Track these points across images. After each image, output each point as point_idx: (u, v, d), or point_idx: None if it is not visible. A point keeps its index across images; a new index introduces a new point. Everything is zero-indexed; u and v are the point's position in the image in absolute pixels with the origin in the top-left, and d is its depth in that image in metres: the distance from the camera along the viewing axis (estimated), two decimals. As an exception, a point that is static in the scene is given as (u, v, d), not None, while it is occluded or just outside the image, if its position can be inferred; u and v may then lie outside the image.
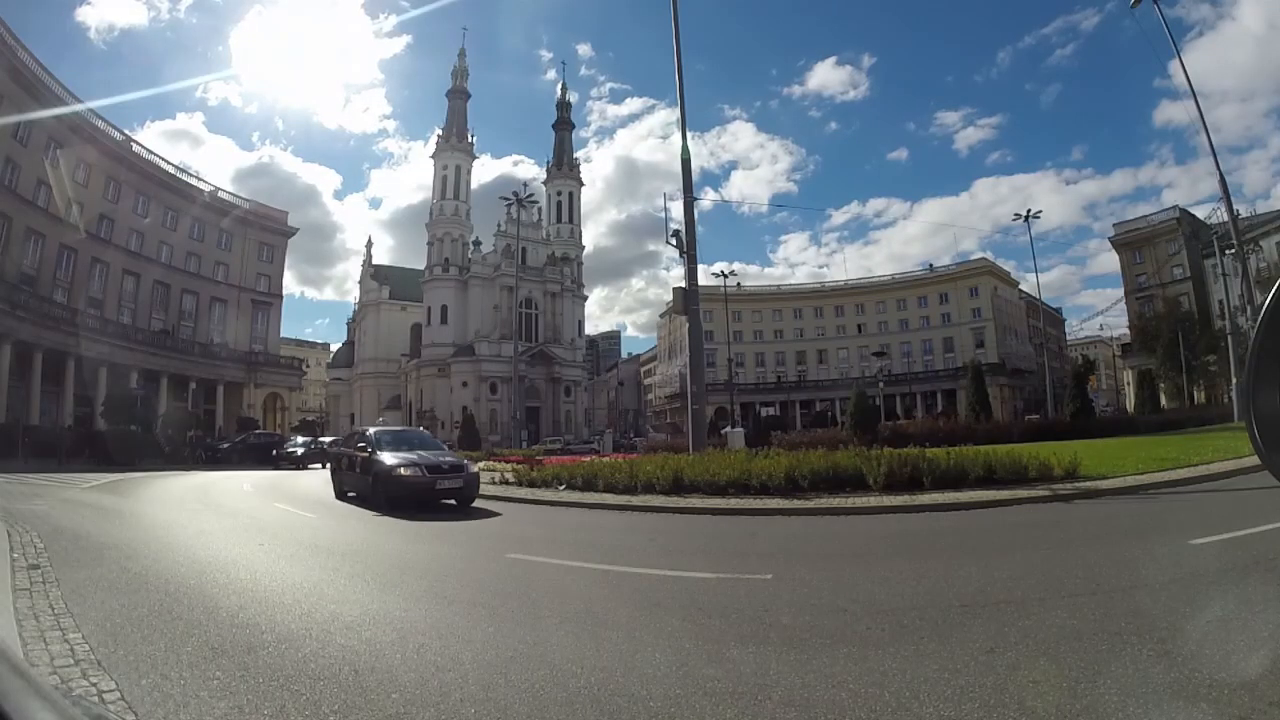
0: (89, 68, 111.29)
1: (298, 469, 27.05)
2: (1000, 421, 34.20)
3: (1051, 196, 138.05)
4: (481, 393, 65.58)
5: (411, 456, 11.00)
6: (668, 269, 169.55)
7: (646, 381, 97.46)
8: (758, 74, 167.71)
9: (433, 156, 73.54)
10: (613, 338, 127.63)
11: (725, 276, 55.11)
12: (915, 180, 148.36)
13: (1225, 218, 27.60)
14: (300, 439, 34.41)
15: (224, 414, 45.86)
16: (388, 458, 10.88)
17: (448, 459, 11.49)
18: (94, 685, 2.96)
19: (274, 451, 30.92)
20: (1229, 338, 33.59)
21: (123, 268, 42.31)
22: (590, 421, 74.36)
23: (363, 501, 11.42)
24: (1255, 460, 1.09)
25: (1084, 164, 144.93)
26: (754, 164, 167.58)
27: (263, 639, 3.72)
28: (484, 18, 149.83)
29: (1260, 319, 0.88)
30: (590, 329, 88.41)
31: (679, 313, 16.82)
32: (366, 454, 11.42)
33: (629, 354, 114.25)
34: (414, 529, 8.74)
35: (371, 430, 12.99)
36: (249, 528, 8.95)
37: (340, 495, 12.63)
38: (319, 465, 27.95)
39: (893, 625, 3.85)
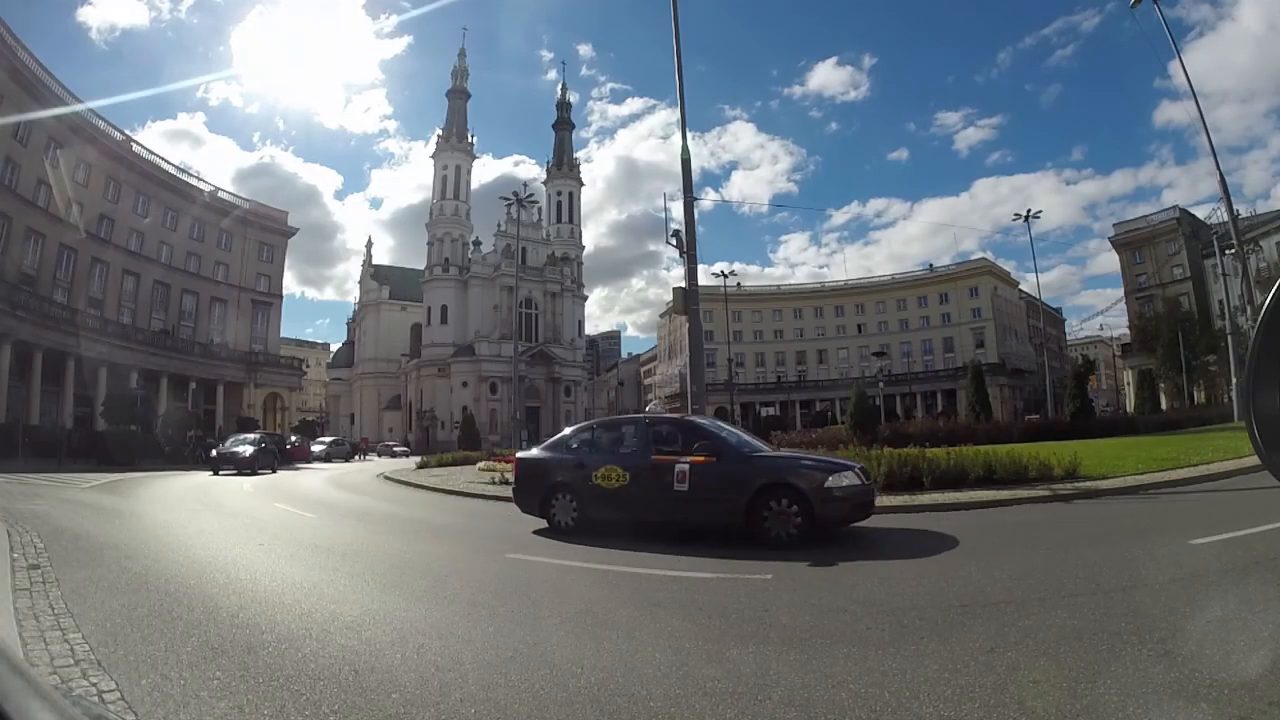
0: (90, 68, 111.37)
1: (243, 474, 20.87)
2: (1000, 421, 34.12)
3: (1051, 196, 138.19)
4: (481, 393, 65.61)
5: (812, 460, 7.76)
6: (668, 269, 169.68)
7: (646, 381, 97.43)
8: (758, 74, 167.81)
9: (433, 157, 73.61)
10: (613, 338, 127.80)
11: (725, 276, 55.10)
12: (915, 180, 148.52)
13: (1225, 218, 27.56)
14: (250, 436, 26.05)
15: (224, 414, 45.85)
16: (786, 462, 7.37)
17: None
18: (94, 685, 2.96)
19: (213, 452, 23.59)
20: (1229, 338, 33.55)
21: (123, 268, 42.30)
22: (590, 421, 74.23)
23: (678, 538, 6.97)
24: (1255, 460, 1.09)
25: (1084, 164, 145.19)
26: (754, 164, 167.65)
27: (263, 639, 3.72)
28: (485, 18, 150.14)
29: (1260, 319, 0.88)
30: (590, 329, 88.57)
31: (679, 313, 16.77)
32: (710, 458, 7.07)
33: (629, 354, 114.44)
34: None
35: (705, 421, 8.43)
36: (249, 528, 8.95)
37: (573, 527, 7.64)
38: (268, 470, 22.81)
39: (893, 625, 3.85)
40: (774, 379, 77.60)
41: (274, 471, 23.06)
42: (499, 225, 66.62)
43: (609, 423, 9.44)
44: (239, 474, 20.81)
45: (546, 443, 9.38)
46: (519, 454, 9.14)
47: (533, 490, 8.26)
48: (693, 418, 8.85)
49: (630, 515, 7.45)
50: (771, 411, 69.63)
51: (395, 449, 51.90)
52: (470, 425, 54.09)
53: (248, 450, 22.70)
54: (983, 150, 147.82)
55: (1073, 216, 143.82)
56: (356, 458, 42.29)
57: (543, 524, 8.03)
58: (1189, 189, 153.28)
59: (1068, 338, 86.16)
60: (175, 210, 46.62)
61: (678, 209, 15.47)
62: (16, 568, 5.32)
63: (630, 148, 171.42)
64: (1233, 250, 29.52)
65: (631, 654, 3.48)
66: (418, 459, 29.15)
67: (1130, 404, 49.74)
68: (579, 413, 73.44)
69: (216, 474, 20.87)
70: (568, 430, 9.33)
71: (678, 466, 7.14)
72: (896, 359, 70.90)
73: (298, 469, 27.00)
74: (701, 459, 7.12)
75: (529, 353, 64.94)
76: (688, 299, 14.50)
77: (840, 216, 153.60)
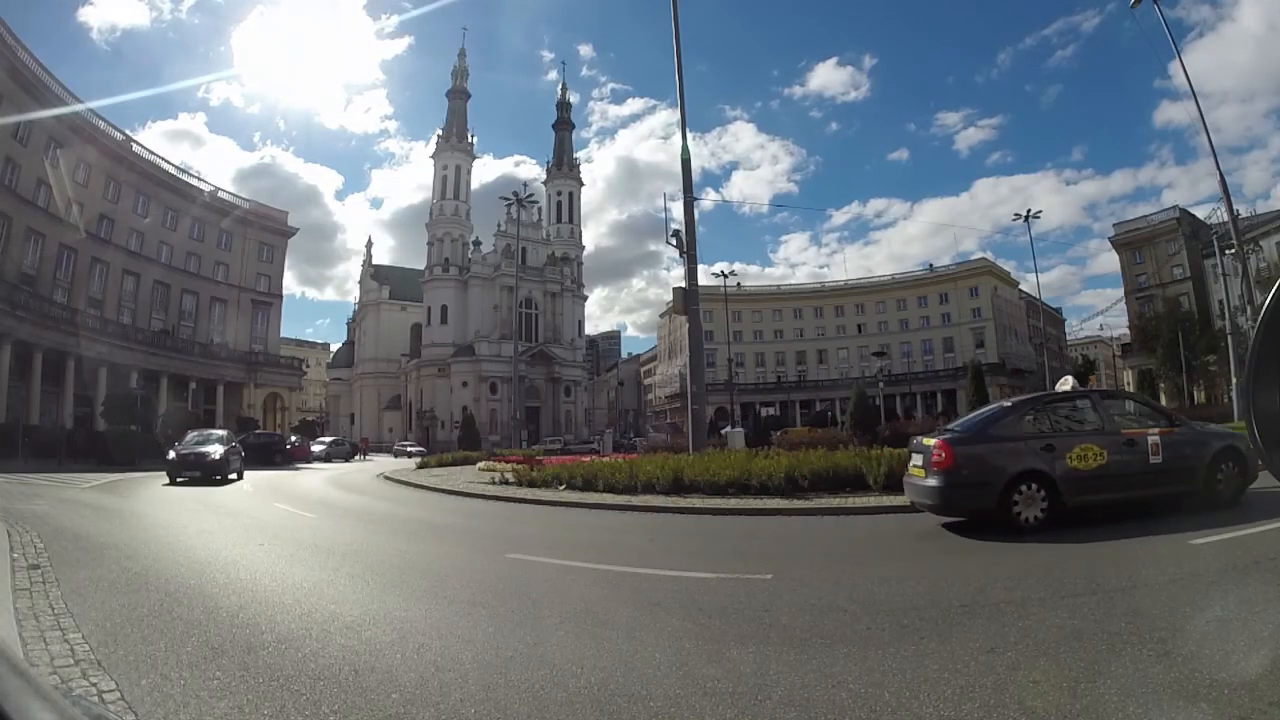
0: (92, 68, 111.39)
1: (208, 481, 16.37)
2: (1000, 421, 34.09)
3: (1051, 197, 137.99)
4: (481, 393, 65.58)
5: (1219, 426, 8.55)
6: (668, 269, 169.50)
7: (646, 381, 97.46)
8: (759, 75, 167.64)
9: (433, 157, 73.60)
10: (613, 338, 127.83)
11: (725, 276, 55.19)
12: (916, 181, 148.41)
13: (1225, 218, 27.53)
14: (217, 432, 20.67)
15: (224, 414, 45.79)
16: None
17: None
18: (94, 685, 2.96)
19: (170, 454, 17.65)
20: (1229, 338, 33.52)
21: (123, 268, 42.28)
22: (590, 421, 74.36)
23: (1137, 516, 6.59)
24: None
25: (1084, 164, 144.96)
26: (755, 164, 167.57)
27: (263, 639, 3.72)
28: (486, 19, 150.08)
29: (1260, 319, 0.88)
30: (590, 329, 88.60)
31: (679, 313, 16.82)
32: (1174, 428, 7.27)
33: (629, 354, 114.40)
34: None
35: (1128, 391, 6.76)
36: (249, 528, 8.95)
37: (1042, 521, 6.56)
38: (235, 476, 17.72)
39: (893, 625, 3.85)
40: (774, 379, 77.58)
41: (240, 476, 18.06)
42: (499, 225, 66.62)
43: (1048, 399, 8.22)
44: (196, 481, 16.19)
45: (964, 424, 7.89)
46: (947, 439, 7.22)
47: (985, 483, 6.68)
48: (1113, 389, 8.31)
49: (1105, 497, 6.89)
50: (771, 411, 69.62)
51: (410, 449, 46.95)
52: (470, 425, 54.10)
53: (217, 451, 17.36)
54: (983, 150, 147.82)
55: (1073, 217, 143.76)
56: (356, 458, 42.26)
57: (935, 524, 7.17)
58: (1189, 189, 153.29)
59: (1068, 338, 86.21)
60: (175, 210, 46.60)
61: (678, 209, 15.49)
62: (16, 568, 5.32)
63: (631, 148, 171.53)
64: (1233, 250, 29.51)
65: (631, 654, 3.48)
66: (419, 459, 29.11)
67: (1130, 404, 49.66)
68: (579, 413, 73.47)
69: (174, 482, 16.10)
70: (986, 411, 8.00)
71: (1149, 438, 6.99)
72: (896, 359, 70.87)
73: (298, 469, 26.99)
74: (1167, 429, 7.15)
75: (529, 353, 64.94)
76: (688, 299, 14.52)
77: (840, 217, 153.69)
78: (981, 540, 6.36)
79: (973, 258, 75.90)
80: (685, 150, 15.34)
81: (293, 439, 37.09)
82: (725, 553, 6.81)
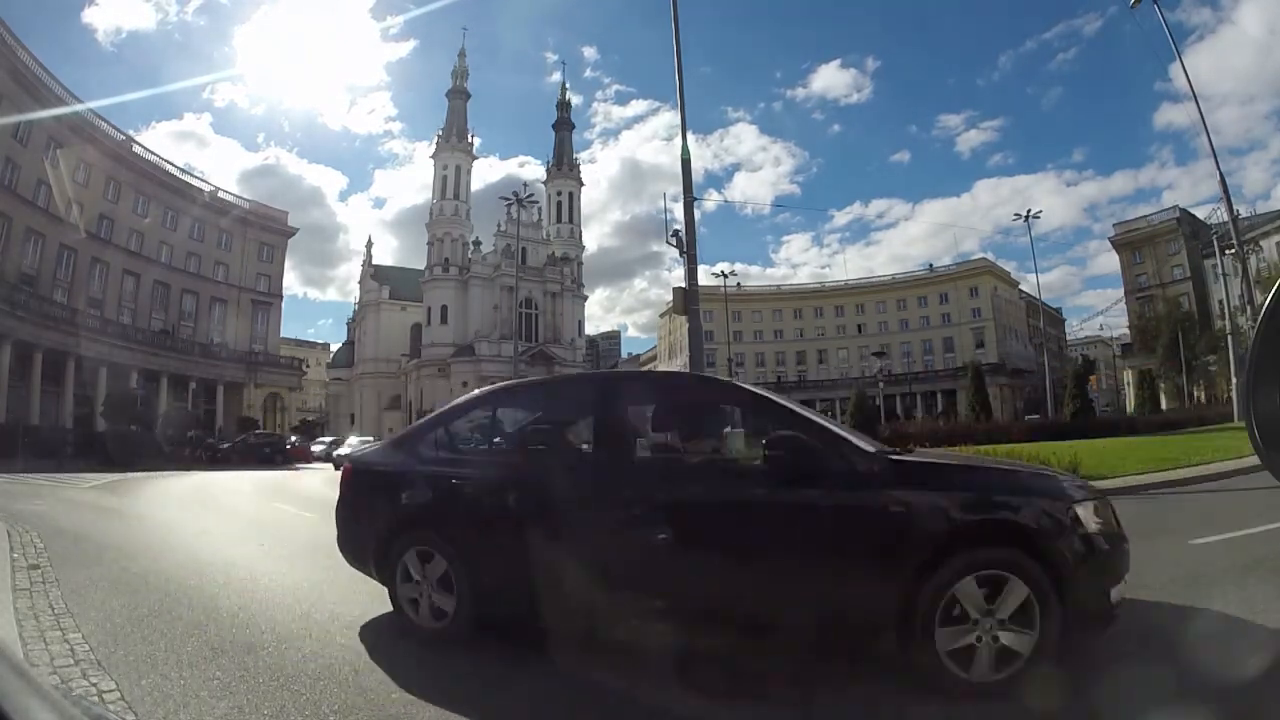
0: (97, 70, 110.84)
1: None
2: (1000, 421, 34.17)
3: (1052, 198, 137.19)
4: (481, 393, 65.55)
5: None
6: (670, 269, 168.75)
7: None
8: (761, 77, 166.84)
9: (433, 157, 73.61)
10: (613, 338, 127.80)
11: (725, 276, 55.24)
12: (917, 182, 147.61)
13: (1225, 218, 27.55)
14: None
15: (224, 414, 45.84)
16: None
17: None
18: (94, 685, 2.96)
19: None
20: (1229, 338, 33.56)
21: (123, 268, 42.32)
22: (590, 421, 74.27)
23: None
24: (1255, 460, 1.09)
25: (1085, 166, 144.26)
26: (757, 166, 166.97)
27: (263, 639, 3.72)
28: (492, 21, 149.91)
29: (1260, 319, 0.88)
30: (592, 329, 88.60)
31: (679, 312, 16.78)
32: None
33: (629, 354, 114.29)
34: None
35: None
36: (249, 528, 8.95)
37: None
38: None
39: (893, 625, 3.83)
40: (774, 379, 77.45)
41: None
42: (499, 225, 66.68)
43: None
44: None
45: None
46: None
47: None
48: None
49: None
50: (771, 411, 69.48)
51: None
52: (470, 425, 53.99)
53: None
54: (984, 152, 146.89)
55: (1073, 217, 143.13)
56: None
57: None
58: (1189, 190, 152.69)
59: (1068, 338, 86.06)
60: (175, 210, 46.63)
61: (680, 210, 15.46)
62: (17, 568, 5.32)
63: (634, 149, 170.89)
64: (1233, 250, 29.53)
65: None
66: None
67: (1130, 404, 49.74)
68: (579, 413, 73.38)
69: None
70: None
71: None
72: (896, 359, 70.81)
73: (298, 469, 26.97)
74: None
75: (529, 353, 64.95)
76: (688, 299, 14.49)
77: (842, 218, 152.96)
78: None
79: (973, 258, 75.94)
80: (685, 150, 15.30)
81: (293, 439, 37.12)
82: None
